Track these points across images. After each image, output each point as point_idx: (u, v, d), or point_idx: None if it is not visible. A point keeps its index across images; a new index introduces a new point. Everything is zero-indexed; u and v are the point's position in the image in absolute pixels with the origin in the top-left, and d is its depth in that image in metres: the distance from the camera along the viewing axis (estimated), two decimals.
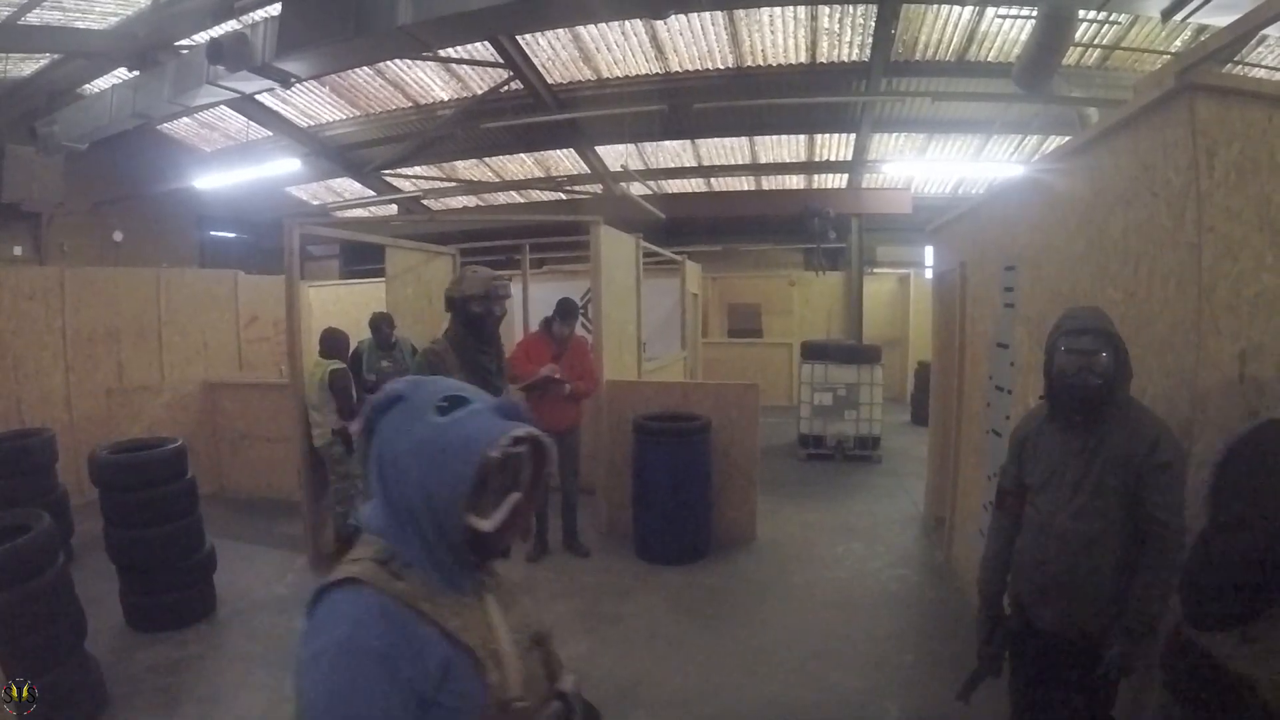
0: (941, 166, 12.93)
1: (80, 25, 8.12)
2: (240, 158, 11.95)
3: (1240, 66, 7.89)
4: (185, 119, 11.52)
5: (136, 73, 8.16)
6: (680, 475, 5.74)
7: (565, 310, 5.88)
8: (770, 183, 14.55)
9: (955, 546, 5.52)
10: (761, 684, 3.96)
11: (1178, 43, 8.36)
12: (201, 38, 7.76)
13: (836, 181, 14.15)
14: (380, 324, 6.49)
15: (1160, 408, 2.63)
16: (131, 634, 4.52)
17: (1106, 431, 2.40)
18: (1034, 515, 2.57)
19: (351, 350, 6.31)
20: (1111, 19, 7.90)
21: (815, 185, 14.33)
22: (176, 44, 7.92)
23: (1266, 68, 8.22)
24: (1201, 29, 7.75)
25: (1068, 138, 5.52)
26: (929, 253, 11.12)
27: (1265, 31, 6.32)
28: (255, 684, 4.01)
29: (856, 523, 6.74)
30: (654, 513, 5.80)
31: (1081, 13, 7.09)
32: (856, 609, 4.97)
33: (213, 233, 15.14)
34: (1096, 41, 8.65)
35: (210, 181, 11.92)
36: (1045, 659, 2.57)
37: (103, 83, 9.13)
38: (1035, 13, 7.26)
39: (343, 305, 11.11)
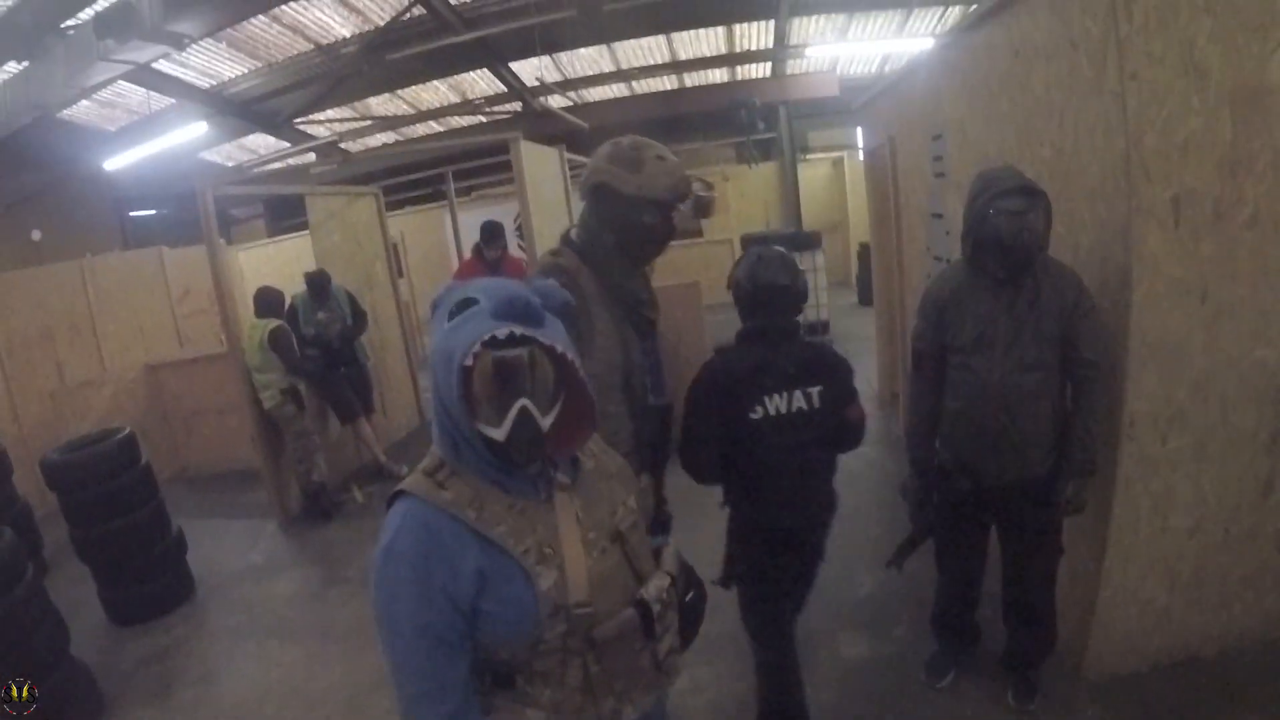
0: (865, 45, 12.69)
1: None
2: (146, 131, 11.20)
3: None
4: (84, 101, 10.75)
5: (26, 63, 7.61)
6: None
7: (489, 232, 6.11)
8: (693, 79, 14.17)
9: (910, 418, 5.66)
10: None
11: None
12: (88, 14, 7.19)
13: (760, 71, 13.81)
14: (317, 279, 6.29)
15: (1095, 258, 2.66)
16: (116, 631, 4.47)
17: (1036, 285, 2.45)
18: (967, 377, 2.58)
19: (287, 305, 6.12)
20: None
21: (739, 77, 13.99)
22: (63, 25, 7.33)
23: None
24: None
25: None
26: (860, 134, 11.04)
27: None
28: (246, 654, 4.03)
29: None
30: None
31: None
32: None
33: (133, 213, 14.39)
34: None
35: (120, 161, 11.31)
36: (987, 509, 2.71)
37: None
38: None
39: (274, 264, 10.76)
